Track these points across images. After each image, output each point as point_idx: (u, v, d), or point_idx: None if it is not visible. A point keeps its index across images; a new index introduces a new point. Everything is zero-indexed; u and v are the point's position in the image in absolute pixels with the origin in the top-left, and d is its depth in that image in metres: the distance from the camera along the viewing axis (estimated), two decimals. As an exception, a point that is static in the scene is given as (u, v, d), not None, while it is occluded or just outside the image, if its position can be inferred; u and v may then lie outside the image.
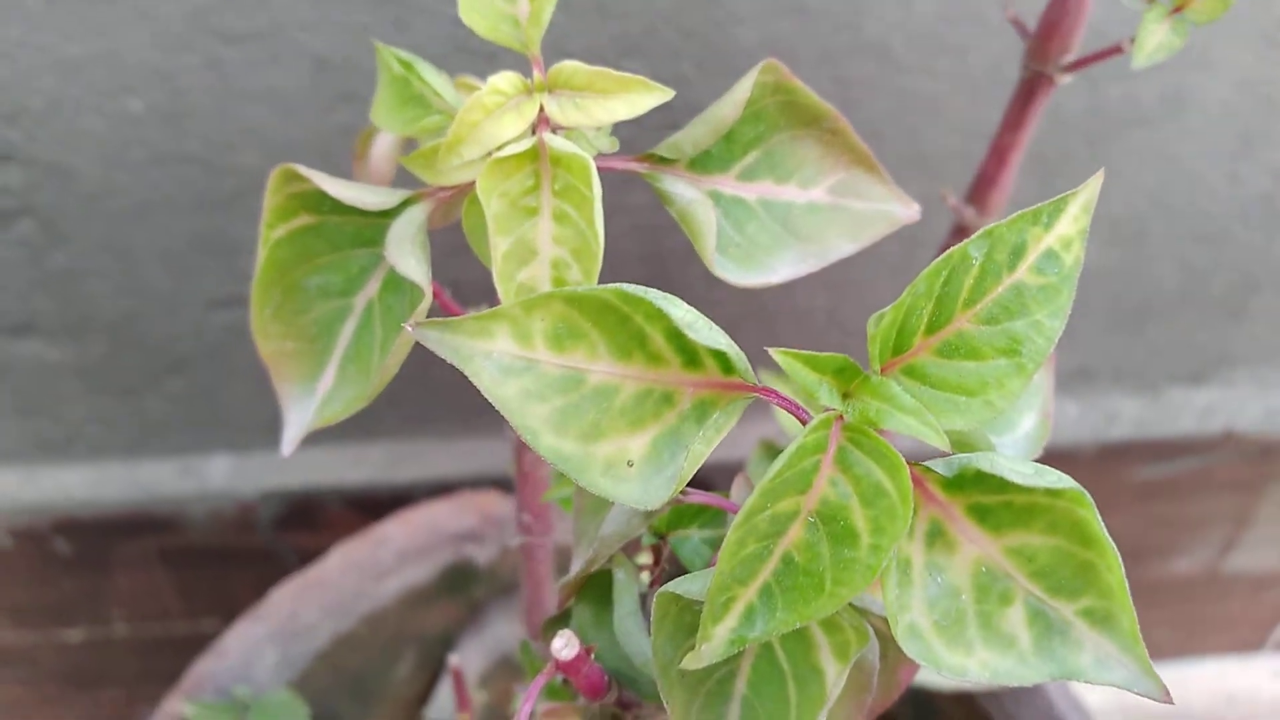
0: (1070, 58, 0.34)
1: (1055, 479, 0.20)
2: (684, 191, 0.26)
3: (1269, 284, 0.64)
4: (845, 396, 0.20)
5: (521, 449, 0.35)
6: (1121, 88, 0.54)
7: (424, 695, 0.56)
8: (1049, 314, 0.20)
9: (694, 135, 0.27)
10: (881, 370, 0.20)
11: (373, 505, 0.68)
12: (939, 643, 0.20)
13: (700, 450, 0.21)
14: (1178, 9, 0.32)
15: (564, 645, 0.24)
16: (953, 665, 0.20)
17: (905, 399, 0.19)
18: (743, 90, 0.26)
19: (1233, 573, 0.80)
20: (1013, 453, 0.26)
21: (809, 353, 0.20)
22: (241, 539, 0.70)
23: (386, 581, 0.53)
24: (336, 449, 0.68)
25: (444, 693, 0.55)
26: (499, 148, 0.24)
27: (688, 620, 0.22)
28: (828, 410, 0.19)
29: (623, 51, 0.51)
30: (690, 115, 0.52)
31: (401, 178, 0.37)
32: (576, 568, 0.26)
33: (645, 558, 0.28)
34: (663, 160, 0.27)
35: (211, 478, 0.67)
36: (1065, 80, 0.35)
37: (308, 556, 0.71)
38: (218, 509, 0.68)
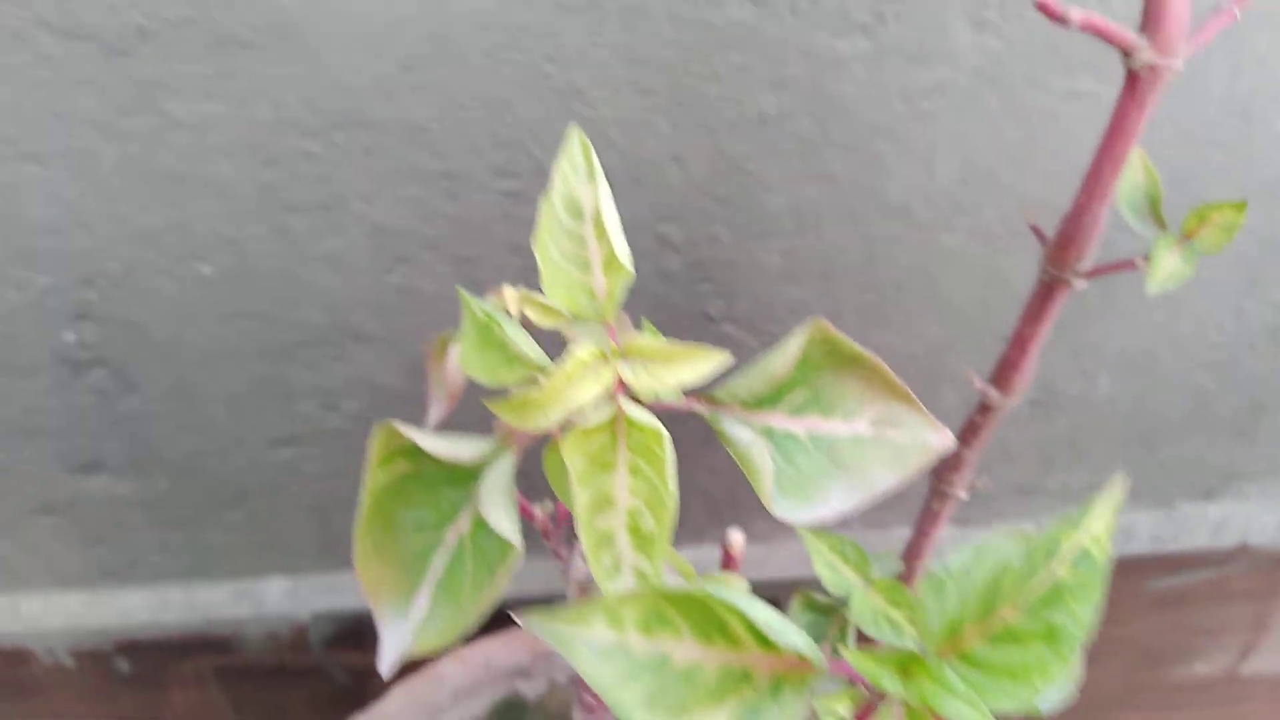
0: (1086, 265, 0.38)
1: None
2: (742, 434, 0.29)
3: (1276, 406, 0.67)
4: (905, 678, 0.23)
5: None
6: (1131, 237, 0.57)
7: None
8: (1083, 607, 0.23)
9: (748, 384, 0.30)
10: (939, 654, 0.23)
11: (419, 624, 0.71)
12: None
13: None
14: (1186, 237, 0.35)
15: None
16: None
17: (959, 685, 0.22)
18: (794, 348, 0.29)
19: (1251, 676, 0.82)
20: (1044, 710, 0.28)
21: (878, 652, 0.22)
22: (294, 657, 0.73)
23: (443, 719, 0.55)
24: (384, 570, 0.71)
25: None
26: (580, 412, 0.28)
27: None
28: (890, 694, 0.22)
29: (661, 217, 0.54)
30: (725, 270, 0.55)
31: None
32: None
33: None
34: (719, 402, 0.30)
35: (266, 600, 0.70)
36: (1082, 285, 0.38)
37: (357, 673, 0.74)
38: (272, 630, 0.71)
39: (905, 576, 0.49)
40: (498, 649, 0.57)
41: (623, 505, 0.28)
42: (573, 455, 0.27)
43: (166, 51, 0.48)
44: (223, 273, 0.56)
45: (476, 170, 0.52)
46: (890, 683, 0.22)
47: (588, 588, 0.38)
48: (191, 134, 0.51)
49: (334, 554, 0.70)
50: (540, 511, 0.38)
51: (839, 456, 0.30)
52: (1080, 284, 0.38)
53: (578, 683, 0.39)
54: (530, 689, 0.57)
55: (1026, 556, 0.22)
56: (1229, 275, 0.61)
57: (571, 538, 0.37)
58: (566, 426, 0.29)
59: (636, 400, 0.28)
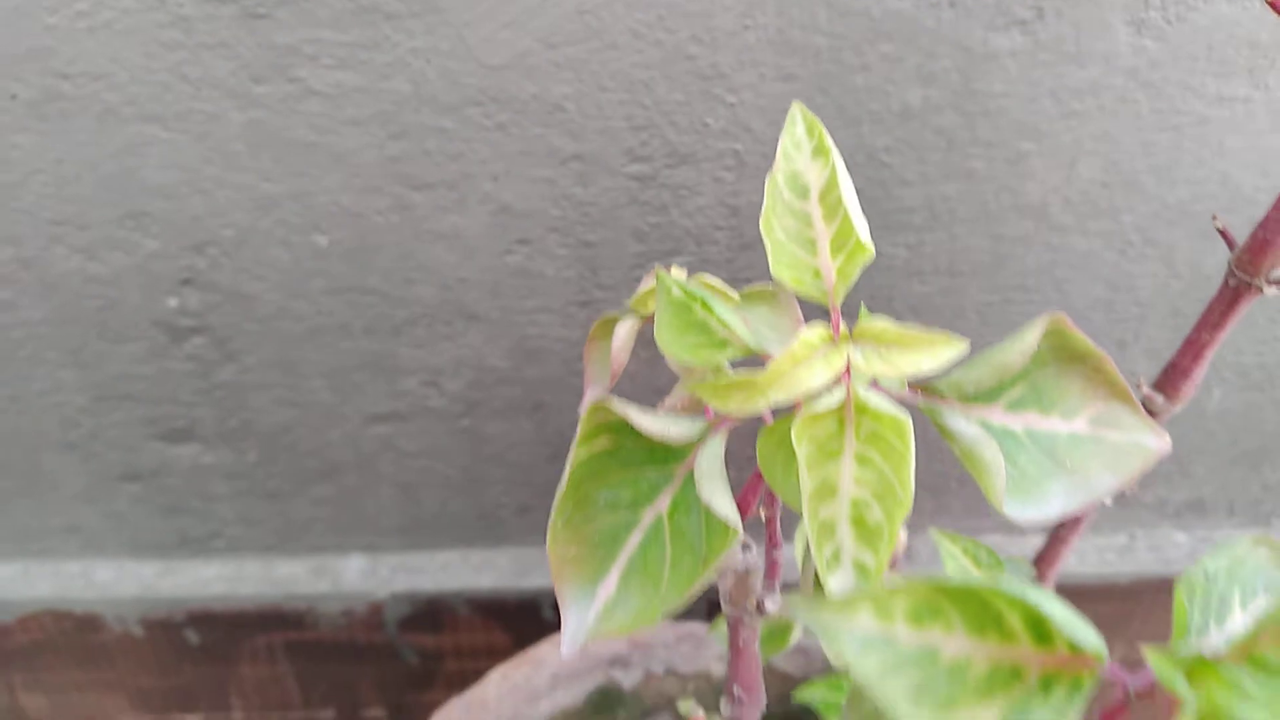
0: (1278, 272, 0.36)
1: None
2: (965, 429, 0.28)
3: (1387, 428, 0.66)
4: (1198, 679, 0.22)
5: (736, 625, 0.37)
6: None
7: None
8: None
9: (976, 376, 0.29)
10: (1231, 659, 0.22)
11: (499, 611, 0.70)
12: None
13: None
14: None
15: None
16: None
17: (1252, 687, 0.21)
18: (1030, 340, 0.28)
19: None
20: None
21: (1170, 652, 0.21)
22: (367, 636, 0.72)
23: (540, 704, 0.54)
24: (466, 554, 0.70)
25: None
26: (810, 398, 0.26)
27: None
28: (1187, 697, 0.21)
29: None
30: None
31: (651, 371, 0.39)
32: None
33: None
34: (940, 394, 0.29)
35: (345, 577, 0.69)
36: (1272, 292, 0.37)
37: (428, 656, 0.73)
38: (348, 608, 0.70)
39: (1036, 581, 0.48)
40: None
41: (846, 495, 0.27)
42: (800, 440, 0.26)
43: (306, 17, 0.47)
44: (339, 246, 0.55)
45: (609, 153, 0.51)
46: (1176, 679, 0.21)
47: (747, 580, 0.36)
48: (324, 103, 0.50)
49: (417, 534, 0.69)
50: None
51: (1058, 455, 0.29)
52: (1271, 290, 0.36)
53: (730, 676, 0.38)
54: (627, 679, 0.56)
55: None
56: (1356, 293, 0.59)
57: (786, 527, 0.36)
58: (780, 411, 0.28)
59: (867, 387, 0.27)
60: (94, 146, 0.51)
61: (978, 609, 0.22)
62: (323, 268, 0.55)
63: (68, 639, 0.72)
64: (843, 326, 0.27)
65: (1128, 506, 0.69)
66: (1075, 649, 0.22)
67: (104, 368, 0.60)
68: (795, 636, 0.45)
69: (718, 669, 0.57)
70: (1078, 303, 0.57)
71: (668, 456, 0.29)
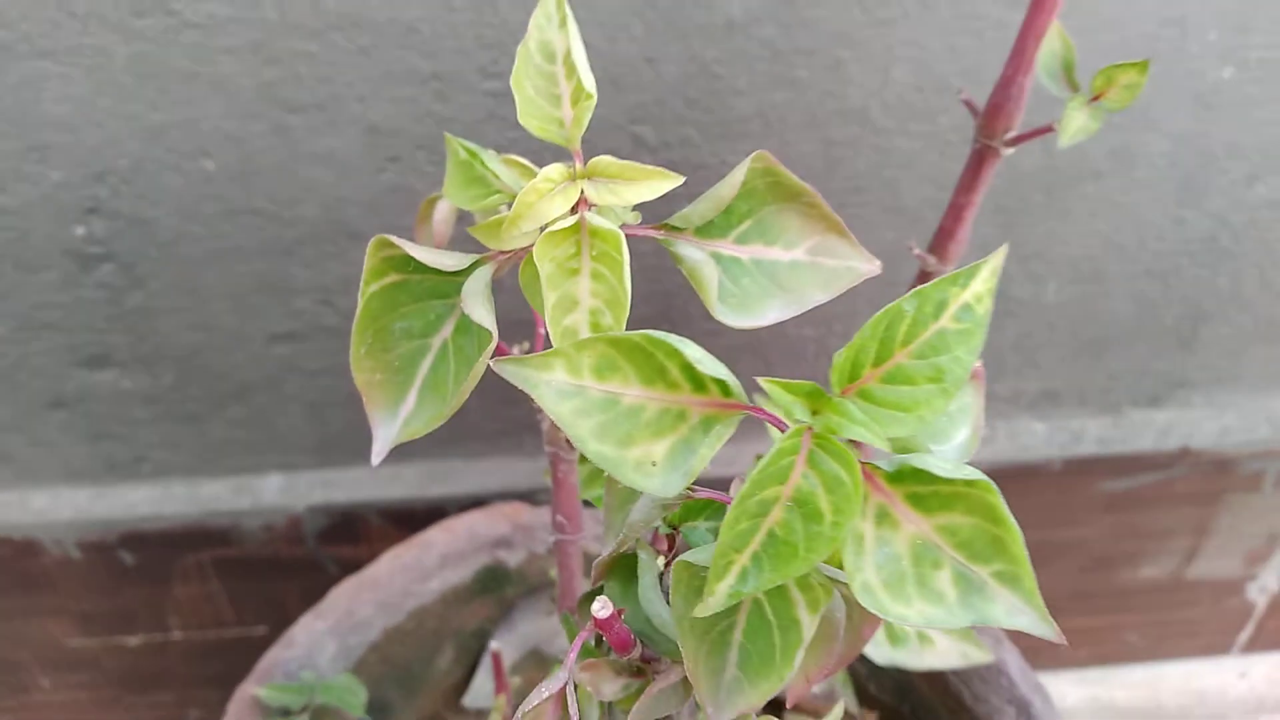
0: (1013, 133, 0.42)
1: (971, 473, 0.27)
2: (692, 254, 0.33)
3: (1217, 315, 0.72)
4: (814, 413, 0.27)
5: (555, 461, 0.43)
6: (1073, 149, 0.61)
7: (462, 685, 0.62)
8: (965, 351, 0.27)
9: (700, 209, 0.34)
10: (841, 393, 0.27)
11: (408, 519, 0.75)
12: (886, 597, 0.27)
13: (705, 454, 0.28)
14: (1095, 98, 0.39)
15: (601, 607, 0.31)
16: (897, 614, 0.27)
17: (858, 414, 0.26)
18: (738, 175, 0.33)
19: (1196, 579, 0.87)
20: (950, 458, 0.32)
21: (786, 380, 0.27)
22: (289, 550, 0.77)
23: (430, 582, 0.60)
24: (375, 468, 0.75)
25: (480, 682, 0.62)
26: (550, 223, 0.32)
27: (697, 584, 0.29)
28: (800, 422, 0.26)
29: (634, 119, 0.58)
30: (696, 172, 0.59)
31: (457, 240, 0.44)
32: (607, 551, 0.33)
33: (660, 546, 0.35)
34: (675, 229, 0.34)
35: (264, 494, 0.75)
36: (1009, 152, 0.42)
37: (348, 566, 0.78)
38: (269, 523, 0.75)
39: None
40: (481, 521, 0.61)
41: (585, 306, 0.32)
42: (542, 259, 0.31)
43: (176, -50, 0.52)
44: (226, 169, 0.59)
45: (464, 71, 0.56)
46: (800, 412, 0.26)
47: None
48: (200, 33, 0.54)
49: (329, 452, 0.74)
50: (517, 350, 0.42)
51: (778, 279, 0.34)
52: (1007, 150, 0.42)
53: (553, 509, 0.43)
54: (511, 558, 0.61)
55: (918, 310, 0.26)
56: (1168, 187, 0.65)
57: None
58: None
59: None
60: (-9, 82, 0.55)
61: (645, 361, 0.27)
62: (213, 192, 0.60)
63: (7, 565, 0.77)
64: (578, 165, 0.33)
65: (988, 401, 0.75)
66: (726, 393, 0.27)
67: (22, 298, 0.64)
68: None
69: (594, 548, 0.62)
70: (909, 201, 0.63)
71: (449, 290, 0.34)
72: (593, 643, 0.35)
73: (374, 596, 0.58)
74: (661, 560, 0.34)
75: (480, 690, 0.61)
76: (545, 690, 0.30)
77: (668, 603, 0.33)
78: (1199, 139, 0.63)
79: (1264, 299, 0.71)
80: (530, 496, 0.71)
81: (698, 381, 0.27)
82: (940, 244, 0.45)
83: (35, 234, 0.62)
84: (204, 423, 0.72)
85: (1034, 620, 0.28)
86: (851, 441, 0.27)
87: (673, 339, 0.27)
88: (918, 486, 0.27)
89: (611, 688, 0.34)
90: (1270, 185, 0.66)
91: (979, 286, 0.27)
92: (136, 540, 0.76)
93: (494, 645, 0.52)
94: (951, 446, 0.35)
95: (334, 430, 0.73)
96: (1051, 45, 0.39)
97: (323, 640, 0.56)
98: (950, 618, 0.28)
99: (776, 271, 0.35)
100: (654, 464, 0.27)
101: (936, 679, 0.57)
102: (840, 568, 0.29)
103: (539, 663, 0.63)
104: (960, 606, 0.28)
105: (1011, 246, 0.66)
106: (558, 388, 0.27)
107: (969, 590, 0.28)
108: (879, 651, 0.51)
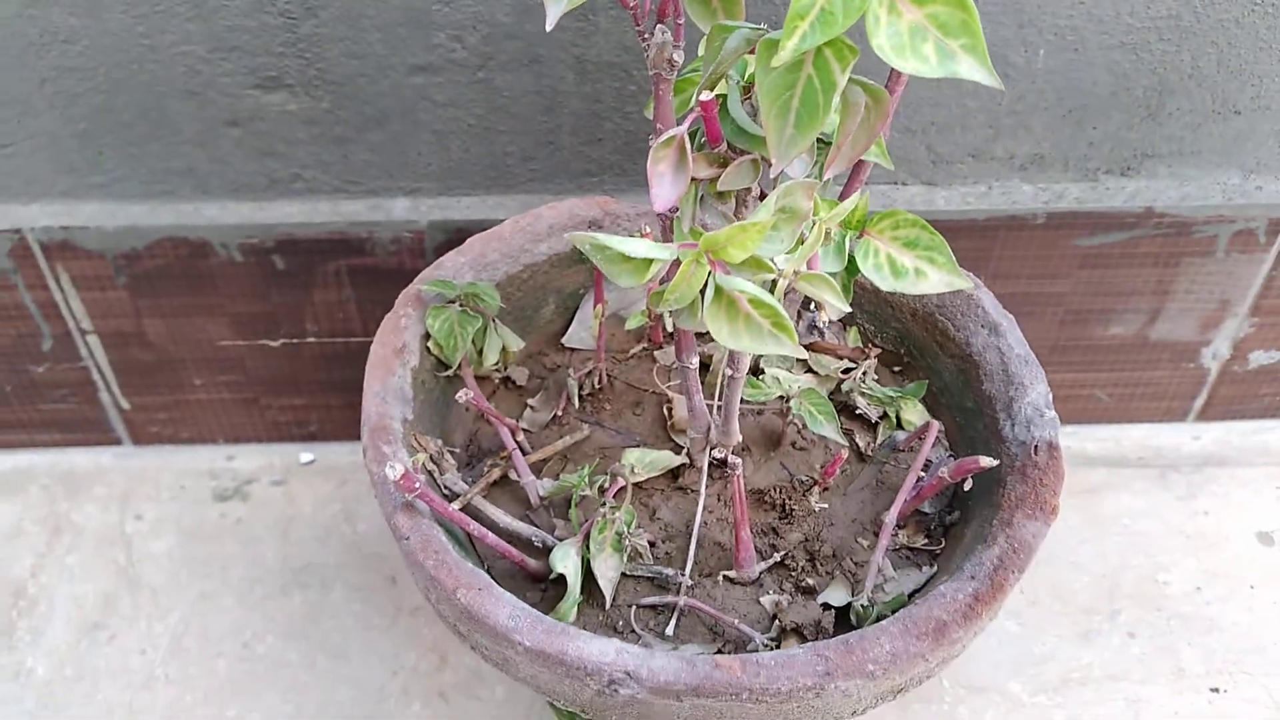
0: None
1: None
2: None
3: (1180, 90, 0.87)
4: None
5: (657, 81, 0.59)
6: (1063, -80, 0.77)
7: (561, 331, 0.80)
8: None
9: None
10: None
11: (509, 238, 0.92)
12: (893, 54, 0.43)
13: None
14: None
15: (707, 96, 0.48)
16: (898, 63, 0.44)
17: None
18: None
19: (1158, 340, 1.03)
20: None
21: None
22: (411, 262, 0.94)
23: (540, 245, 0.77)
24: (485, 197, 0.92)
25: (574, 328, 0.79)
26: None
27: (773, 53, 0.45)
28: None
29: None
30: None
31: None
32: (707, 73, 0.50)
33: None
34: None
35: (395, 212, 0.92)
36: None
37: (456, 282, 0.96)
38: (397, 235, 0.93)
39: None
40: (580, 205, 0.78)
41: None
42: None
43: None
44: (394, -90, 0.76)
45: None
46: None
47: (664, 48, 0.58)
48: None
49: (447, 178, 0.91)
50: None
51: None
52: None
53: (653, 119, 0.60)
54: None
55: None
56: (1140, -34, 0.80)
57: (653, 18, 0.58)
58: None
59: None
60: None
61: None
62: (381, -69, 0.77)
63: (182, 264, 0.95)
64: None
65: (984, 161, 0.91)
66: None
67: (219, 20, 0.81)
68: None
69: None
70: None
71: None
72: (694, 144, 0.52)
73: (500, 247, 0.75)
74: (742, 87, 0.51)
75: (575, 334, 0.79)
76: (667, 136, 0.47)
77: (747, 113, 0.50)
78: (1166, -76, 0.78)
79: (1220, 77, 0.87)
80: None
81: None
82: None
83: (237, -36, 0.79)
84: (349, 145, 0.89)
85: (984, 74, 0.44)
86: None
87: None
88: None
89: (707, 170, 0.51)
90: (1226, -28, 0.81)
91: None
92: (289, 245, 0.93)
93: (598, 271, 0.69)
94: None
95: (454, 159, 0.90)
96: None
97: (463, 269, 0.74)
98: (932, 70, 0.44)
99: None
100: None
101: (927, 321, 0.73)
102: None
103: (618, 323, 0.80)
104: (938, 65, 0.44)
105: (1010, 14, 0.82)
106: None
107: (944, 55, 0.44)
108: (884, 281, 0.68)
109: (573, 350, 0.79)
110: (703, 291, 0.49)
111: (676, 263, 0.48)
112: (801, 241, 0.51)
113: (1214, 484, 1.04)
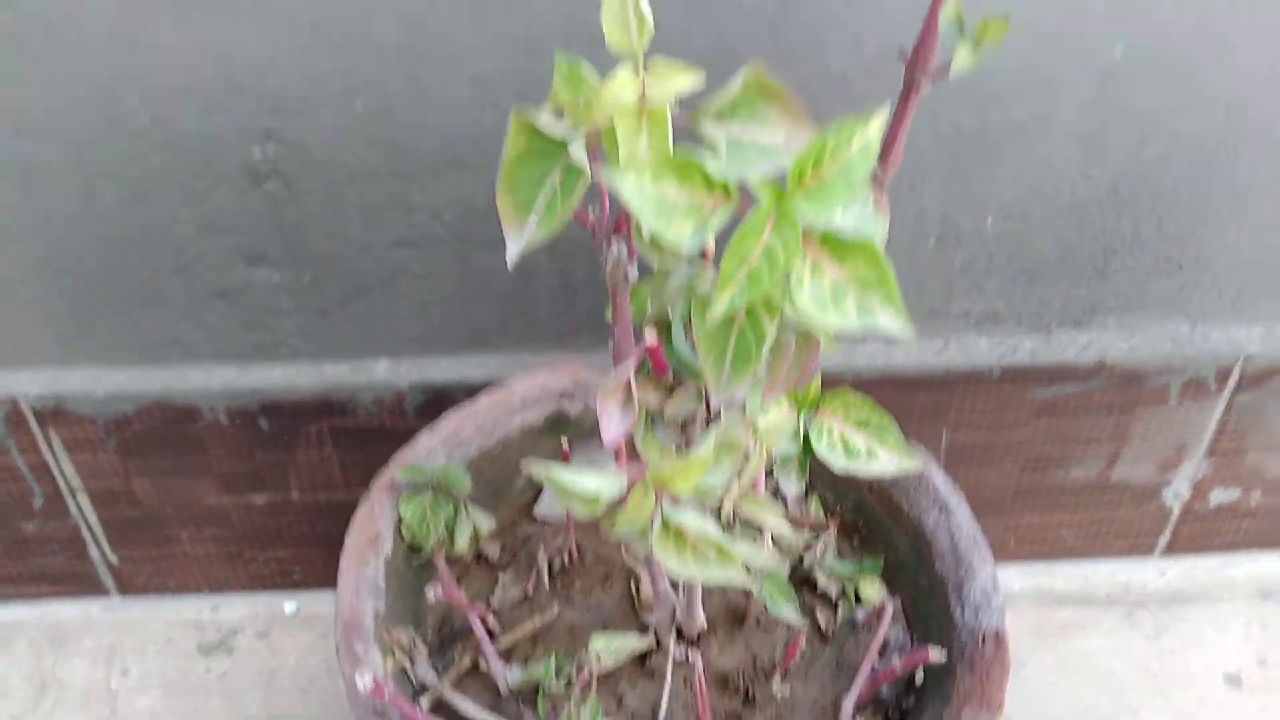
0: (930, 69, 0.62)
1: (864, 235, 0.47)
2: (710, 131, 0.54)
3: (1123, 251, 0.91)
4: (778, 199, 0.47)
5: (615, 291, 0.63)
6: (1001, 113, 0.82)
7: (532, 503, 0.83)
8: (863, 165, 0.47)
9: (716, 102, 0.54)
10: (793, 188, 0.47)
11: (485, 398, 0.96)
12: (814, 311, 0.47)
13: (714, 225, 0.48)
14: (978, 41, 0.60)
15: (651, 337, 0.51)
16: (820, 320, 0.47)
17: (802, 200, 0.46)
18: (740, 78, 0.54)
19: (1119, 482, 1.06)
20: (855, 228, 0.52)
21: (760, 182, 0.47)
22: (392, 422, 0.98)
23: (514, 418, 0.80)
24: (464, 357, 0.96)
25: (546, 499, 0.82)
26: (624, 105, 0.52)
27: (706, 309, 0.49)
28: (769, 205, 0.46)
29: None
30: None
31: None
32: (653, 310, 0.54)
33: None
34: (700, 112, 0.55)
35: (376, 374, 0.95)
36: (927, 88, 0.62)
37: (435, 439, 0.99)
38: (379, 397, 0.96)
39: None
40: (551, 377, 0.82)
41: (644, 148, 0.53)
42: (619, 126, 0.52)
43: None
44: (371, 108, 0.81)
45: (549, 38, 0.77)
46: (769, 198, 0.47)
47: (619, 264, 0.62)
48: (363, 4, 0.76)
49: (428, 341, 0.95)
50: (591, 215, 0.63)
51: (764, 152, 0.55)
52: (925, 86, 0.62)
53: (612, 327, 0.63)
54: (571, 408, 0.82)
55: (836, 140, 0.46)
56: (1076, 146, 0.85)
57: (608, 236, 0.62)
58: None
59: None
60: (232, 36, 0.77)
61: (681, 171, 0.48)
62: (359, 126, 0.82)
63: (170, 428, 0.98)
64: (642, 69, 0.53)
65: (941, 319, 0.95)
66: (727, 190, 0.48)
67: (208, 204, 0.86)
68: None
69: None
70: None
71: (557, 150, 0.55)
72: (642, 372, 0.56)
73: (474, 422, 0.78)
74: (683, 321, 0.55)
75: (546, 505, 0.82)
76: (614, 379, 0.51)
77: (689, 344, 0.53)
78: (1099, 107, 0.83)
79: (1160, 240, 0.91)
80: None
81: (711, 183, 0.48)
82: (883, 158, 0.66)
83: (224, 154, 0.83)
84: (332, 314, 0.93)
85: (900, 326, 0.48)
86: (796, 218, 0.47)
87: (698, 157, 0.47)
88: (835, 245, 0.48)
89: (653, 398, 0.54)
90: (1159, 144, 0.85)
91: (872, 131, 0.47)
92: (273, 409, 0.97)
93: (565, 448, 0.72)
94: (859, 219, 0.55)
95: (433, 325, 0.94)
96: (949, 7, 0.60)
97: (436, 450, 0.77)
98: (853, 324, 0.48)
99: (763, 148, 0.55)
100: (685, 234, 0.48)
101: (883, 495, 0.76)
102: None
103: (588, 490, 0.83)
104: (859, 318, 0.48)
105: (957, 188, 0.86)
106: (631, 186, 0.47)
107: (864, 310, 0.48)
108: (838, 462, 0.71)
109: (544, 521, 0.82)
110: (652, 520, 0.52)
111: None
112: (747, 459, 0.54)
113: (1181, 622, 1.06)
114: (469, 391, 0.96)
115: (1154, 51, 0.80)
